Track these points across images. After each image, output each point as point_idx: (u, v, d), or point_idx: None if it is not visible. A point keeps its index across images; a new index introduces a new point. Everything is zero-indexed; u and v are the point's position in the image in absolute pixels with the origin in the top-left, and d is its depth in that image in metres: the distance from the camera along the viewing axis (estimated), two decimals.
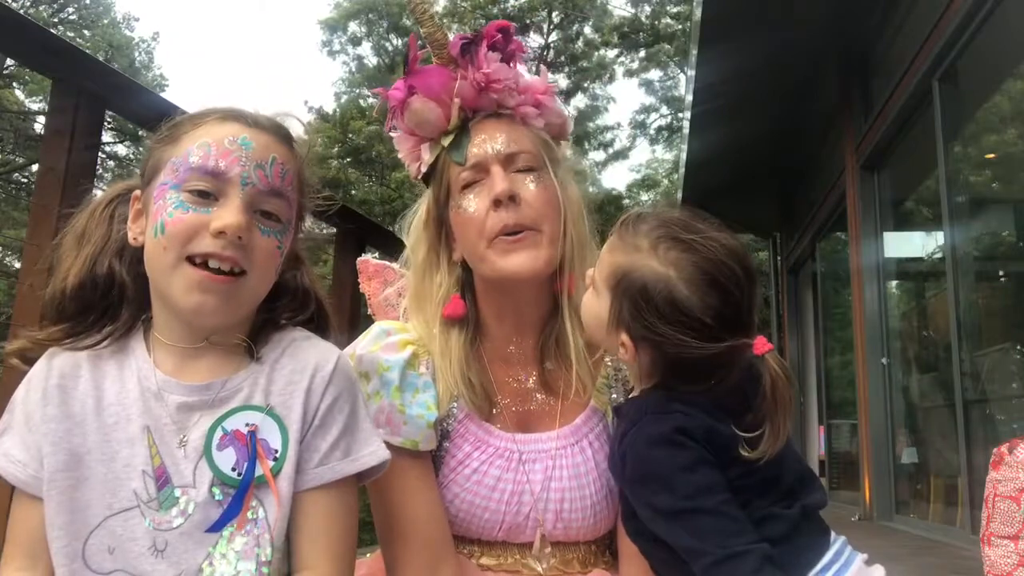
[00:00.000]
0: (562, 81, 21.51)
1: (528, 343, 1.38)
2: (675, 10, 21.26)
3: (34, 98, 19.74)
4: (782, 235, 11.62)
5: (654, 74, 23.53)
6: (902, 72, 5.94)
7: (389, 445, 1.15)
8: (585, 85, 23.06)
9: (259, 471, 0.97)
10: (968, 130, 5.75)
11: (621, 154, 24.68)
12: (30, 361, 1.05)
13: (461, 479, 1.29)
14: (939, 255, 6.04)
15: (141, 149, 20.44)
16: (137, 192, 1.06)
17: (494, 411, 1.34)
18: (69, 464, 0.97)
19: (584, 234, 1.38)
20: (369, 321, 1.44)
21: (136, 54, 23.88)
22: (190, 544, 0.96)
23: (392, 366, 1.28)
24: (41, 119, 18.09)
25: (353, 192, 19.77)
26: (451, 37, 1.36)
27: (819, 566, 1.08)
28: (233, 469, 0.97)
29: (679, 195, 10.84)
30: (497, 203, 1.28)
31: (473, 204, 1.30)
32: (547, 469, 1.30)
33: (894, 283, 7.65)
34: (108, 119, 6.34)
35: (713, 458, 1.07)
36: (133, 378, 1.01)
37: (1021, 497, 1.63)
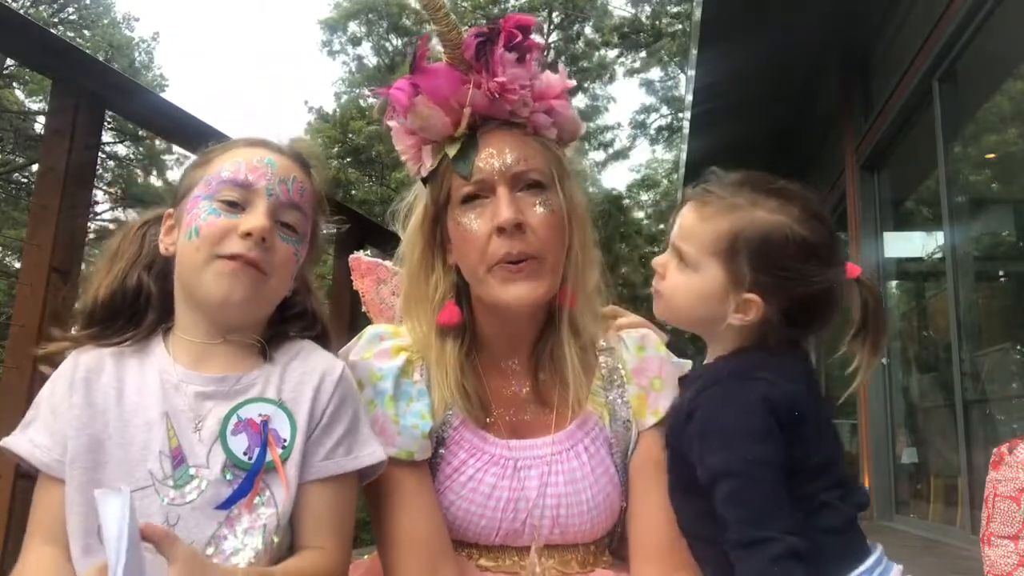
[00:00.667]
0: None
1: (522, 355, 1.36)
2: (675, 10, 21.27)
3: (34, 98, 19.72)
4: None
5: (654, 74, 23.57)
6: (902, 72, 5.94)
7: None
8: (585, 85, 23.05)
9: (269, 457, 1.08)
10: (968, 130, 5.75)
11: (621, 154, 24.71)
12: (55, 364, 1.15)
13: (457, 487, 1.28)
14: (939, 255, 6.03)
15: (141, 149, 20.48)
16: (170, 211, 1.20)
17: (488, 420, 1.33)
18: (90, 447, 1.06)
19: (588, 244, 1.34)
20: (367, 320, 1.44)
21: (136, 54, 23.85)
22: (201, 519, 1.05)
23: (385, 375, 1.27)
24: (41, 119, 18.07)
25: (353, 192, 19.77)
26: (465, 34, 1.26)
27: (862, 568, 1.10)
28: (245, 454, 1.08)
29: (679, 195, 10.83)
30: (501, 230, 1.22)
31: (475, 224, 1.25)
32: (543, 475, 1.29)
33: (894, 283, 7.64)
34: (108, 119, 6.34)
35: (782, 435, 1.09)
36: (153, 371, 1.12)
37: (1021, 497, 1.63)
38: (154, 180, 21.11)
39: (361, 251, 1.73)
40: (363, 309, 1.64)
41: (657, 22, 22.17)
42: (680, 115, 20.64)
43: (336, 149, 20.42)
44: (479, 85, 1.26)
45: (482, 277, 1.26)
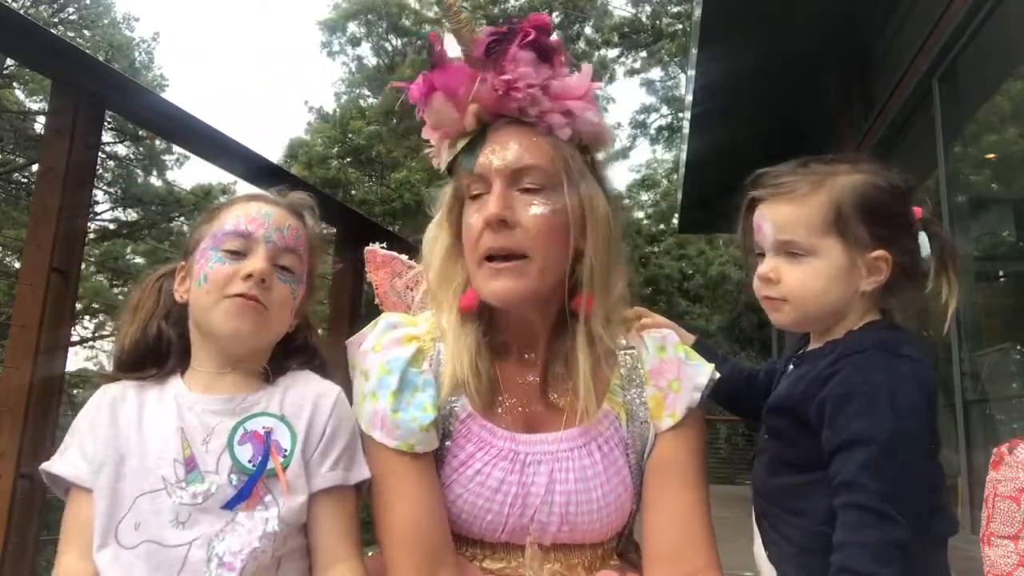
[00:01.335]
0: None
1: (538, 350, 1.36)
2: (675, 10, 21.27)
3: (34, 98, 19.70)
4: None
5: (654, 74, 23.56)
6: (902, 72, 5.94)
7: (385, 447, 1.26)
8: None
9: (271, 464, 1.22)
10: (968, 130, 5.74)
11: (621, 154, 24.67)
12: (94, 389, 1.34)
13: (464, 480, 1.28)
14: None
15: (141, 149, 20.48)
16: (182, 263, 1.35)
17: (498, 409, 1.33)
18: (114, 460, 1.22)
19: (609, 255, 1.32)
20: (371, 316, 1.44)
21: (136, 54, 23.80)
22: (209, 517, 1.18)
23: (393, 368, 1.28)
24: (41, 119, 18.07)
25: (353, 192, 19.76)
26: (480, 33, 1.29)
27: None
28: (249, 461, 1.22)
29: (679, 195, 10.83)
30: (488, 225, 1.25)
31: (473, 217, 1.29)
32: (552, 472, 1.28)
33: None
34: (108, 119, 6.34)
35: (927, 415, 1.10)
36: (170, 397, 1.28)
37: (1021, 497, 1.63)
38: (154, 180, 21.14)
39: (377, 244, 1.74)
40: (376, 301, 1.65)
41: (657, 22, 22.15)
42: (680, 115, 20.66)
43: (336, 149, 20.43)
44: (486, 80, 1.28)
45: (474, 270, 1.29)
